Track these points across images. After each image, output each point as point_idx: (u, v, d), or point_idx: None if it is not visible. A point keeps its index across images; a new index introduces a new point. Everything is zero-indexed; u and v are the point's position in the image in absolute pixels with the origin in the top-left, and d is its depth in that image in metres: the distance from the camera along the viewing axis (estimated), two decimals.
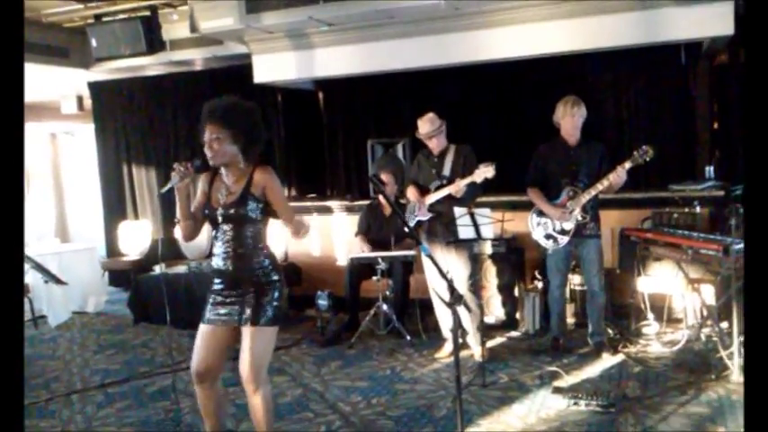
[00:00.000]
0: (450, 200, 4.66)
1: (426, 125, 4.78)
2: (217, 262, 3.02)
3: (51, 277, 3.28)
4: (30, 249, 4.00)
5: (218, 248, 3.02)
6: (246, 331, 2.96)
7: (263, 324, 2.96)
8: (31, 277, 3.50)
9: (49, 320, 6.55)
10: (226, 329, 3.01)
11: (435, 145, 4.80)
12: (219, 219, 2.98)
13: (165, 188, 2.96)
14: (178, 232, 3.03)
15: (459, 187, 4.60)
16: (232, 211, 2.95)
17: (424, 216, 4.78)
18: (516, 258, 5.61)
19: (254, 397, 3.00)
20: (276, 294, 3.01)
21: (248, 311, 2.95)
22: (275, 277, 3.02)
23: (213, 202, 3.03)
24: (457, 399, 2.81)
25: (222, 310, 3.00)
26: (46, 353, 5.72)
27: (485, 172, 4.54)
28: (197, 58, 7.03)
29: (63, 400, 4.50)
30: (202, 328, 3.04)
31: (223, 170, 3.02)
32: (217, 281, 3.03)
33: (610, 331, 5.01)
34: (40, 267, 3.23)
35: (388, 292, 5.53)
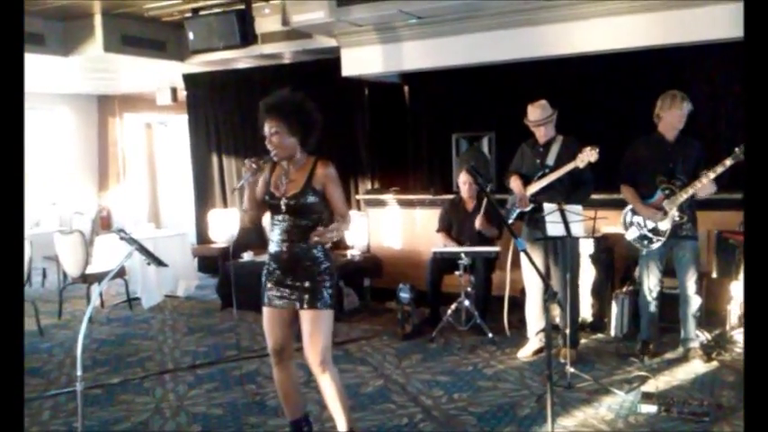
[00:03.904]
0: (557, 191, 4.50)
1: (537, 111, 4.63)
2: (273, 247, 3.13)
3: (154, 259, 3.43)
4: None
5: (276, 235, 3.12)
6: (305, 316, 3.07)
7: (320, 308, 3.06)
8: (127, 261, 3.66)
9: (143, 302, 6.87)
10: (286, 310, 3.12)
11: (543, 134, 4.65)
12: (281, 207, 3.07)
13: (239, 184, 3.10)
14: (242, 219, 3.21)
15: (562, 173, 4.44)
16: (293, 201, 3.04)
17: (526, 207, 4.66)
18: (606, 258, 5.44)
19: (322, 378, 3.10)
20: (328, 280, 3.10)
21: (305, 296, 3.06)
22: (326, 265, 3.11)
23: (274, 189, 3.11)
24: (545, 399, 2.77)
25: (280, 293, 3.11)
26: (140, 332, 6.01)
27: (588, 156, 4.35)
28: (286, 51, 7.17)
29: (156, 378, 4.72)
30: (265, 311, 3.18)
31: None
32: (273, 265, 3.14)
33: (703, 337, 4.80)
34: (143, 250, 3.39)
35: (469, 288, 5.48)
